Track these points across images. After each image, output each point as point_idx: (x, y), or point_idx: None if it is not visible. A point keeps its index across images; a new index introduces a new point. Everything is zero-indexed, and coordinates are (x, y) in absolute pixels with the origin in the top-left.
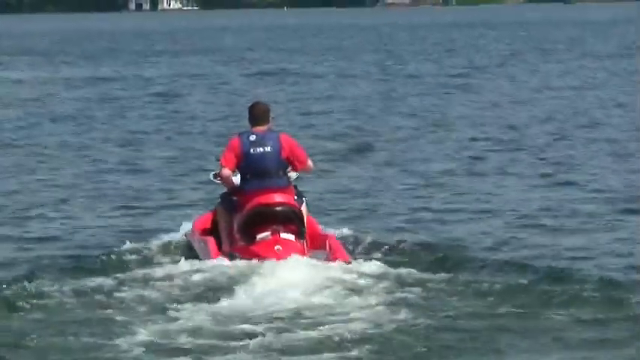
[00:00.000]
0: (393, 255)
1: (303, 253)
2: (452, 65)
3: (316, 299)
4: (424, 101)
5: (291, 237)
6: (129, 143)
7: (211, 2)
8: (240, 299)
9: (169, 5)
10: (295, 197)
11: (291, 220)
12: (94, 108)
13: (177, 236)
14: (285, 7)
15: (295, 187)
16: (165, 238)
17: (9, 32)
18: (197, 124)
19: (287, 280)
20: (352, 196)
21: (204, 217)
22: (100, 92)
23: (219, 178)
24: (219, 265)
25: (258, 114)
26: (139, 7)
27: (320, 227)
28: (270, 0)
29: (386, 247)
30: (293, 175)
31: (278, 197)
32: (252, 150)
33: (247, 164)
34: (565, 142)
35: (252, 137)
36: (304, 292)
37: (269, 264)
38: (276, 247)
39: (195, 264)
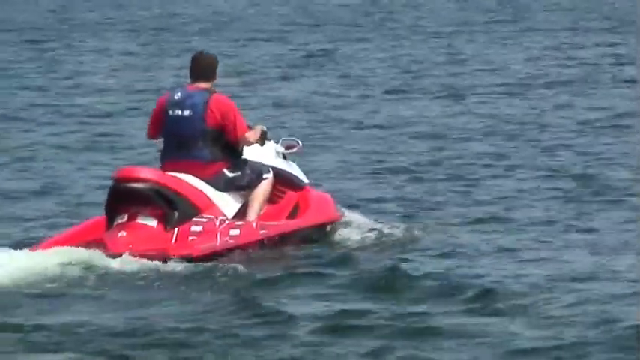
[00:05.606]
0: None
1: (161, 242)
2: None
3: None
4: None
5: (152, 222)
6: None
7: None
8: None
9: None
10: (233, 174)
11: (153, 201)
12: None
13: None
14: None
15: (245, 161)
16: None
17: None
18: None
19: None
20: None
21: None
22: None
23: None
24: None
25: (194, 67)
26: None
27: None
28: None
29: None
30: (274, 148)
31: (144, 173)
32: (170, 112)
33: (165, 129)
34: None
35: (178, 95)
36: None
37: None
38: (120, 234)
39: None
